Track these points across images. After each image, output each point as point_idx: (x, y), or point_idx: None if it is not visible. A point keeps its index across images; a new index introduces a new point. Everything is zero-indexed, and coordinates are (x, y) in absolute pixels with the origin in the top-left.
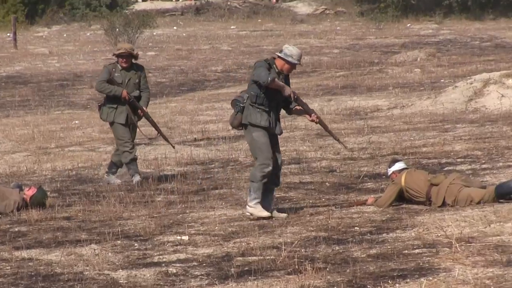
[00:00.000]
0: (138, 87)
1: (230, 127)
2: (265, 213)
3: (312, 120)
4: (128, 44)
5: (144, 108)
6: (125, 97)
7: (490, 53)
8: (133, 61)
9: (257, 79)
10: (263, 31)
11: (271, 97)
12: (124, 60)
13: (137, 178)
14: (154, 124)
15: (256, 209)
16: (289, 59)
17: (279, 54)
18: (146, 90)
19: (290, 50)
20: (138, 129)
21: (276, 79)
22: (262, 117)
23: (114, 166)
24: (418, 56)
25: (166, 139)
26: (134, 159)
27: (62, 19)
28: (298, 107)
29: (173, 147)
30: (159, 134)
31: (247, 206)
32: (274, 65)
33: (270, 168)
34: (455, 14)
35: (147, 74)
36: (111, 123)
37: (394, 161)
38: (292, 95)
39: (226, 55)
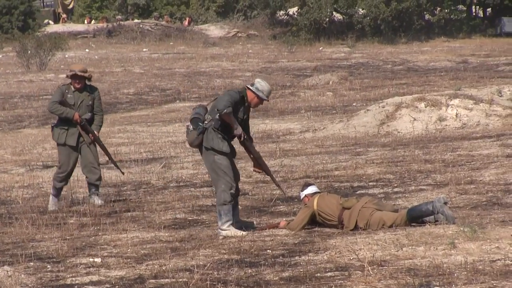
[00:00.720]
0: (91, 109)
1: (142, 151)
2: (241, 232)
3: (255, 171)
4: (80, 66)
5: (96, 133)
6: (77, 120)
7: (402, 76)
8: (87, 82)
9: (216, 105)
10: (175, 54)
11: (229, 127)
12: (77, 81)
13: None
14: (104, 150)
15: (231, 231)
16: (260, 94)
17: (251, 87)
18: (100, 112)
19: (262, 85)
20: (91, 152)
21: (230, 115)
22: (223, 144)
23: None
24: (330, 80)
25: (116, 165)
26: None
27: None
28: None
29: (123, 173)
30: (108, 160)
31: (220, 230)
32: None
33: (234, 188)
34: (368, 37)
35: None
36: (62, 144)
37: (307, 184)
38: (241, 137)
39: (138, 77)
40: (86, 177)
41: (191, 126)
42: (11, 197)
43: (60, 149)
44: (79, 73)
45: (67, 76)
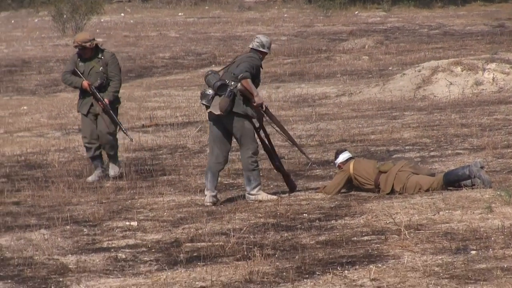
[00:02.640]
0: (102, 76)
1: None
2: (272, 196)
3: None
4: (82, 36)
5: (106, 100)
6: (86, 88)
7: (438, 40)
8: (100, 46)
9: (234, 70)
10: (210, 18)
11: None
12: (81, 51)
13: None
14: (112, 118)
15: (262, 195)
16: (268, 51)
17: (263, 49)
18: (115, 77)
19: (267, 41)
20: (103, 120)
21: (249, 82)
22: (251, 108)
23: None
24: (366, 44)
25: (125, 133)
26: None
27: (9, 5)
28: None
29: (131, 139)
30: (118, 128)
31: (249, 195)
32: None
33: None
34: (403, 1)
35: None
36: (79, 112)
37: (340, 151)
38: (263, 105)
39: (173, 42)
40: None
41: (218, 92)
42: (47, 160)
43: (81, 117)
44: (81, 43)
45: (74, 46)
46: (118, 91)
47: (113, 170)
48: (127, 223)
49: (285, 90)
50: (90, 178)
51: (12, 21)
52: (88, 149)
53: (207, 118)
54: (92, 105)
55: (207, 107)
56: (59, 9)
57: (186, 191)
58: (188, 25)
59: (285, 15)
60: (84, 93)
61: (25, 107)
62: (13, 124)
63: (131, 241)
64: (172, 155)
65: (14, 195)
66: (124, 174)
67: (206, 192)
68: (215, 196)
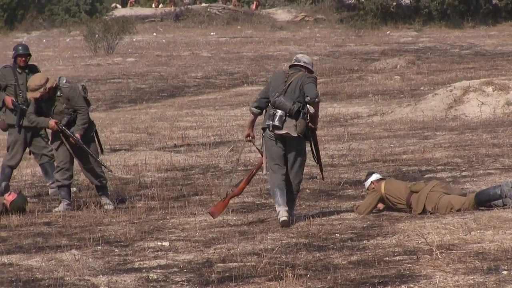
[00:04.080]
0: (68, 112)
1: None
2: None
3: None
4: (34, 81)
5: (77, 135)
6: (53, 128)
7: (469, 60)
8: (61, 84)
9: (313, 94)
10: (242, 38)
11: None
12: (40, 96)
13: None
14: (87, 152)
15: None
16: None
17: (311, 67)
18: (80, 109)
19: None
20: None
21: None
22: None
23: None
24: (397, 63)
25: (104, 165)
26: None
27: (41, 24)
28: None
29: (110, 171)
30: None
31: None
32: None
33: None
34: (435, 22)
35: (127, 81)
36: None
37: (370, 173)
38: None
39: (206, 61)
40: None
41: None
42: (78, 180)
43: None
44: (33, 92)
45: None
46: (86, 122)
47: (108, 204)
48: (159, 243)
49: None
50: (59, 208)
51: (44, 41)
52: (63, 173)
53: (269, 137)
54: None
55: (278, 127)
56: (91, 28)
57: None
58: (220, 45)
59: (317, 34)
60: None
61: None
62: None
63: (162, 262)
64: (204, 175)
65: (45, 215)
66: (156, 194)
67: (279, 208)
68: (288, 211)
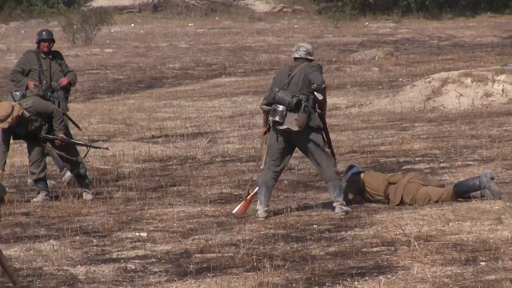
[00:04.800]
0: (41, 122)
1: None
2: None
3: None
4: (0, 112)
5: (61, 135)
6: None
7: (448, 52)
8: (24, 105)
9: (312, 79)
10: (220, 29)
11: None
12: (8, 126)
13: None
14: (75, 144)
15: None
16: (312, 57)
17: (312, 57)
18: (52, 113)
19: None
20: (88, 147)
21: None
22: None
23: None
24: (376, 55)
25: (97, 147)
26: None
27: (19, 15)
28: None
29: (107, 148)
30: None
31: (342, 206)
32: None
33: None
34: (413, 13)
35: (105, 72)
36: None
37: (350, 167)
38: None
39: (184, 52)
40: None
41: (292, 108)
42: (56, 171)
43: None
44: (1, 123)
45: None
46: (63, 120)
47: (87, 193)
48: (137, 234)
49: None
50: (37, 199)
51: (22, 32)
52: (37, 165)
53: (273, 133)
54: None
55: (279, 123)
56: (69, 19)
57: (196, 202)
58: (198, 36)
59: (296, 26)
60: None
61: None
62: None
63: (140, 252)
64: (182, 166)
65: (24, 205)
66: (134, 185)
67: (259, 207)
68: (267, 211)
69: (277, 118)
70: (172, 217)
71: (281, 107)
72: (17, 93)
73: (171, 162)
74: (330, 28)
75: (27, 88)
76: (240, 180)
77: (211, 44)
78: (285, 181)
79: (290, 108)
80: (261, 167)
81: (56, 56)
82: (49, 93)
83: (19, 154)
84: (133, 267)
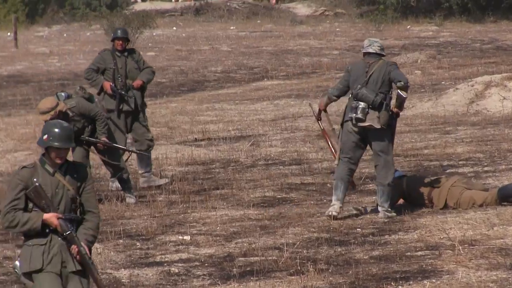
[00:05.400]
0: (85, 124)
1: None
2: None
3: None
4: (45, 104)
5: (103, 139)
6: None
7: (491, 55)
8: (68, 104)
9: (404, 78)
10: (262, 32)
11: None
12: (50, 118)
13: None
14: (118, 149)
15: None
16: (384, 52)
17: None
18: (96, 115)
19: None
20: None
21: None
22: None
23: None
24: (418, 58)
25: (137, 152)
26: None
27: (62, 19)
28: None
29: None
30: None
31: (386, 213)
32: None
33: None
34: (455, 16)
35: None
36: None
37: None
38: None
39: (225, 55)
40: None
41: (366, 108)
42: (99, 174)
43: None
44: (43, 114)
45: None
46: (106, 124)
47: (130, 197)
48: (180, 237)
49: (337, 104)
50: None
51: (65, 35)
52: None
53: (349, 130)
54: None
55: (361, 120)
56: (112, 22)
57: (239, 205)
58: (240, 39)
59: (337, 29)
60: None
61: None
62: None
63: (184, 256)
64: (225, 169)
65: None
66: (177, 188)
67: (334, 202)
68: (340, 207)
69: (359, 115)
70: (215, 221)
71: (363, 104)
72: (62, 94)
73: (214, 165)
74: (372, 32)
75: (101, 87)
76: (283, 184)
77: (253, 47)
78: (328, 185)
79: (372, 106)
80: (335, 162)
81: (132, 53)
82: (123, 92)
83: None
84: (177, 271)
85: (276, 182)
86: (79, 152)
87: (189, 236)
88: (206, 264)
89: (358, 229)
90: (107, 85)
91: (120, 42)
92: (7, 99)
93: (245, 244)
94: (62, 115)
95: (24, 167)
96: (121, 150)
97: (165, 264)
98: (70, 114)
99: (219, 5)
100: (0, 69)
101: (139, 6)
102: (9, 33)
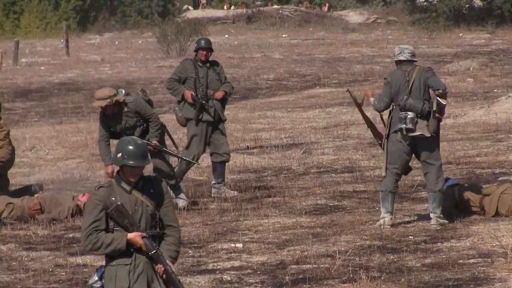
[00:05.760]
0: (139, 123)
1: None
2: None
3: None
4: (103, 92)
5: (154, 141)
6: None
7: None
8: (127, 99)
9: (442, 86)
10: (314, 40)
11: None
12: (105, 105)
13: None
14: (168, 153)
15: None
16: (416, 58)
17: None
18: (150, 117)
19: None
20: (179, 157)
21: None
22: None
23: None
24: (470, 66)
25: (184, 159)
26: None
27: (114, 26)
28: None
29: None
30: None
31: (439, 219)
32: None
33: None
34: (507, 24)
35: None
36: None
37: (446, 179)
38: None
39: (278, 63)
40: None
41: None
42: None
43: None
44: (99, 101)
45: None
46: (160, 128)
47: (182, 199)
48: (232, 245)
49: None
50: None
51: (116, 42)
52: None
53: (397, 140)
54: None
55: (411, 130)
56: (164, 30)
57: (292, 213)
58: (292, 47)
59: (390, 37)
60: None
61: None
62: None
63: (236, 263)
64: (277, 176)
65: None
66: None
67: (384, 214)
68: (392, 219)
69: (409, 125)
70: (268, 228)
71: (411, 114)
72: (122, 90)
73: (266, 173)
74: (424, 39)
75: (182, 96)
76: (335, 191)
77: (305, 55)
78: (380, 192)
79: (421, 115)
80: (383, 174)
81: (214, 65)
82: (203, 101)
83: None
84: (229, 278)
85: (328, 189)
86: None
87: (241, 244)
88: (259, 272)
89: (410, 237)
90: (188, 94)
91: (204, 52)
92: (58, 106)
93: (297, 252)
94: (118, 107)
95: (100, 186)
96: (172, 156)
97: (217, 272)
98: (126, 109)
99: (271, 13)
100: (51, 77)
101: (191, 14)
102: (61, 40)
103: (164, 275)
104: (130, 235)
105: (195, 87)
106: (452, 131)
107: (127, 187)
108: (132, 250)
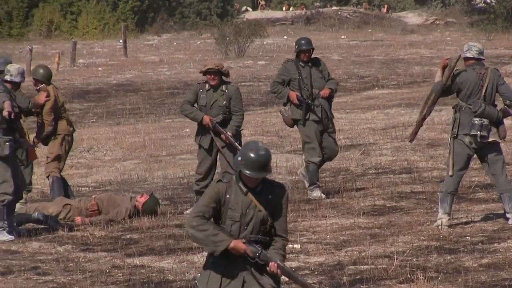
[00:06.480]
0: (225, 110)
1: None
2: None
3: None
4: (215, 61)
5: (229, 133)
6: (207, 124)
7: None
8: (225, 79)
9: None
10: (373, 41)
11: None
12: (212, 76)
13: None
14: (237, 150)
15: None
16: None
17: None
18: (238, 112)
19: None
20: (224, 157)
21: None
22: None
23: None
24: None
25: None
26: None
27: (172, 27)
28: None
29: None
30: None
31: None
32: None
33: None
34: None
35: (258, 85)
36: (199, 146)
37: None
38: None
39: (336, 64)
40: None
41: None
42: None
43: (198, 150)
44: (214, 67)
45: (201, 72)
46: (240, 126)
47: None
48: (290, 245)
49: (447, 113)
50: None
51: (175, 43)
52: (196, 184)
53: (465, 143)
54: (212, 139)
55: (486, 137)
56: (222, 31)
57: (349, 214)
58: (350, 48)
59: (448, 38)
60: (204, 127)
61: (187, 130)
62: (175, 147)
63: (294, 264)
64: (335, 177)
65: (177, 217)
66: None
67: (442, 215)
68: (449, 220)
69: (484, 133)
70: (325, 229)
71: (486, 122)
72: None
73: (324, 174)
74: (482, 41)
75: (288, 99)
76: (393, 192)
77: (363, 56)
78: (438, 193)
79: (495, 122)
80: (450, 174)
81: (316, 63)
82: (309, 101)
83: (171, 166)
84: (286, 279)
85: (386, 190)
86: (206, 164)
87: (299, 245)
88: (316, 273)
89: (467, 237)
90: (293, 95)
91: (306, 54)
92: (116, 107)
93: (355, 253)
94: (221, 77)
95: (220, 180)
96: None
97: None
98: (223, 88)
99: (330, 14)
100: (109, 78)
101: (250, 15)
102: (120, 41)
103: (279, 271)
104: (232, 243)
105: (299, 88)
106: (509, 132)
107: (244, 188)
108: (227, 258)
